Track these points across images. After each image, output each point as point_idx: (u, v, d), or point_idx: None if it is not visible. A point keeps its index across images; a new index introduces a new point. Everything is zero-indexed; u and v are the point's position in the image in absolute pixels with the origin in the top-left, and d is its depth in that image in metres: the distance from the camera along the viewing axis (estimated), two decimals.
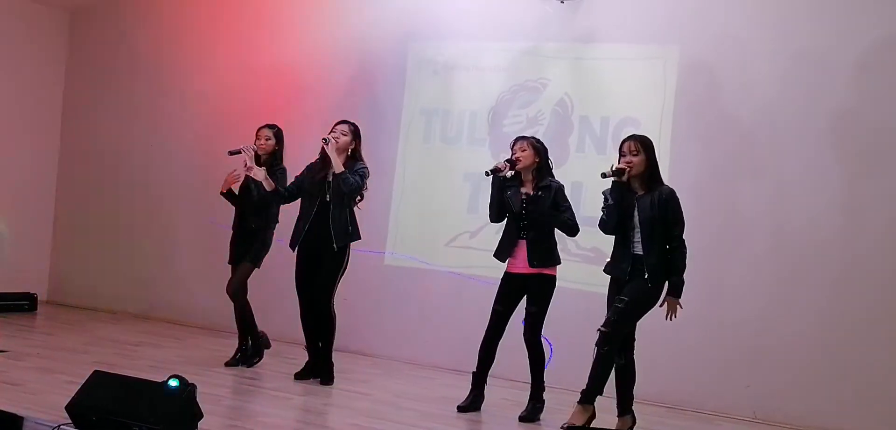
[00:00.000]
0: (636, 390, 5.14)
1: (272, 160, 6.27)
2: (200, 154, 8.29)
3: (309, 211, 5.92)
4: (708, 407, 6.20)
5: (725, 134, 6.47)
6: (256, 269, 6.33)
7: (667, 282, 4.92)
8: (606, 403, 5.13)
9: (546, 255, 5.39)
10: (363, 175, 5.88)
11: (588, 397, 4.95)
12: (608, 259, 5.15)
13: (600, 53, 6.95)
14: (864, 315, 5.97)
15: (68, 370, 5.51)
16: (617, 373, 5.03)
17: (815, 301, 6.11)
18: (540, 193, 5.39)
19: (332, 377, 6.01)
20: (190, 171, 8.35)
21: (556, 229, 5.47)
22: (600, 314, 6.42)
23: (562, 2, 6.98)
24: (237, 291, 6.29)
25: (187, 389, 4.19)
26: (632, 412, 5.06)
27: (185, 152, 8.40)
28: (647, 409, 4.96)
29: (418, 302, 7.26)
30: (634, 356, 5.08)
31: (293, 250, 6.01)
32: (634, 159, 4.94)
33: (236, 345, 6.42)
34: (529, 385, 5.51)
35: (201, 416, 4.23)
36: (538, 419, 5.46)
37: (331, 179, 5.85)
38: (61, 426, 4.17)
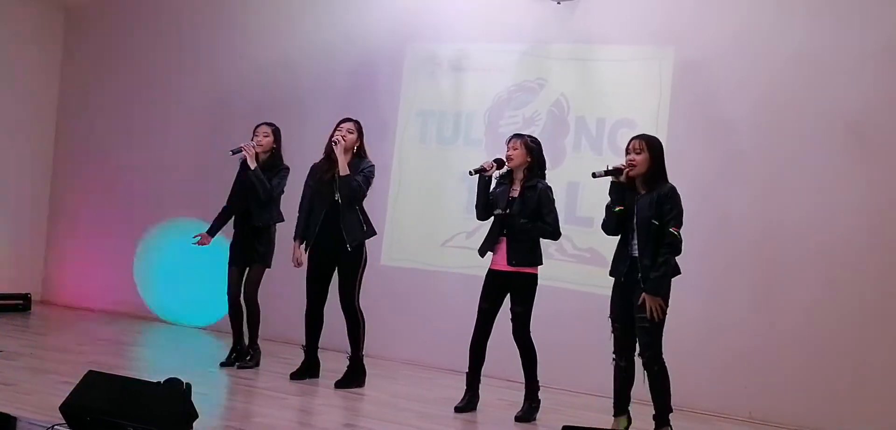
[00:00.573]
0: (633, 391, 5.13)
1: (272, 158, 6.26)
2: (196, 154, 8.28)
3: (320, 212, 5.91)
4: (704, 407, 6.19)
5: (721, 135, 6.47)
6: (268, 269, 6.32)
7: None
8: (602, 403, 5.12)
9: (526, 254, 5.38)
10: (368, 176, 5.87)
11: (664, 420, 4.85)
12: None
13: (597, 54, 6.95)
14: (860, 316, 5.98)
15: (62, 370, 5.49)
16: (618, 374, 4.99)
17: (810, 302, 6.11)
18: (525, 193, 5.37)
19: (364, 381, 5.97)
20: (186, 170, 8.33)
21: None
22: (597, 315, 6.44)
23: (558, 3, 6.98)
24: (252, 296, 6.28)
25: (182, 388, 4.17)
26: (628, 413, 5.04)
27: (180, 152, 8.39)
28: (644, 409, 4.96)
29: (415, 303, 7.25)
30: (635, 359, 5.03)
31: (294, 240, 5.98)
32: (637, 158, 4.84)
33: (231, 346, 6.40)
34: (537, 390, 5.50)
35: (196, 416, 4.21)
36: (534, 419, 5.46)
37: (337, 178, 5.84)
38: (55, 427, 4.14)
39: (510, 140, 5.50)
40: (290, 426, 4.92)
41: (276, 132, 6.34)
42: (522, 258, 5.36)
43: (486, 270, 5.49)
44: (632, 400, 5.10)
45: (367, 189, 5.90)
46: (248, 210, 6.27)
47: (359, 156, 5.94)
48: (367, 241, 5.98)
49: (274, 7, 8.14)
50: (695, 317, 6.08)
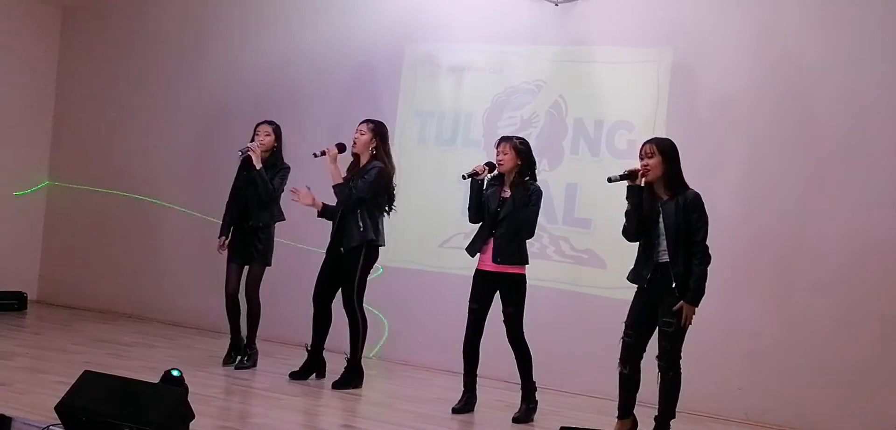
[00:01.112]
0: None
1: (273, 157, 6.27)
2: (193, 154, 8.27)
3: (335, 213, 5.98)
4: (700, 409, 6.19)
5: (719, 136, 6.47)
6: (268, 267, 6.33)
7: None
8: (599, 404, 5.12)
9: (511, 253, 5.38)
10: (369, 180, 5.85)
11: (663, 424, 4.86)
12: (632, 267, 5.01)
13: (594, 56, 6.94)
14: (855, 318, 5.98)
15: (58, 370, 5.48)
16: (622, 381, 4.97)
17: (806, 304, 6.11)
18: (516, 194, 5.38)
19: (361, 382, 5.97)
20: (183, 170, 8.31)
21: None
22: (597, 316, 6.47)
23: (556, 5, 6.97)
24: (254, 293, 6.29)
25: (180, 388, 4.16)
26: (632, 416, 5.03)
27: (177, 152, 8.36)
28: (640, 411, 4.97)
29: (413, 303, 7.24)
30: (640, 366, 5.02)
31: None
32: (650, 162, 4.82)
33: (229, 344, 6.38)
34: (534, 391, 5.50)
35: (192, 417, 4.20)
36: (532, 420, 5.45)
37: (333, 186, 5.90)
38: (51, 427, 4.13)
39: (499, 144, 5.51)
40: (288, 426, 4.91)
41: (277, 131, 6.36)
42: (507, 257, 5.36)
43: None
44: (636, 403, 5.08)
45: (369, 194, 5.87)
46: (247, 208, 6.26)
47: (377, 157, 5.96)
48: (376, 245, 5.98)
49: (273, 7, 8.13)
50: (697, 316, 6.08)
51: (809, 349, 6.06)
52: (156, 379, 4.51)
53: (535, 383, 5.49)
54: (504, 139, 5.54)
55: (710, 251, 4.84)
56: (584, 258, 6.78)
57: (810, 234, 6.14)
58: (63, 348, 6.51)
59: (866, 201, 6.03)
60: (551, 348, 6.58)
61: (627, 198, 4.89)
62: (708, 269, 4.81)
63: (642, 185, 4.87)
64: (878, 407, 5.83)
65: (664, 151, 4.85)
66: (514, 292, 5.38)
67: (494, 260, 5.37)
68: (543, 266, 6.80)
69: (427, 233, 7.26)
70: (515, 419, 5.42)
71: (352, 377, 5.95)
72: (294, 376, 6.06)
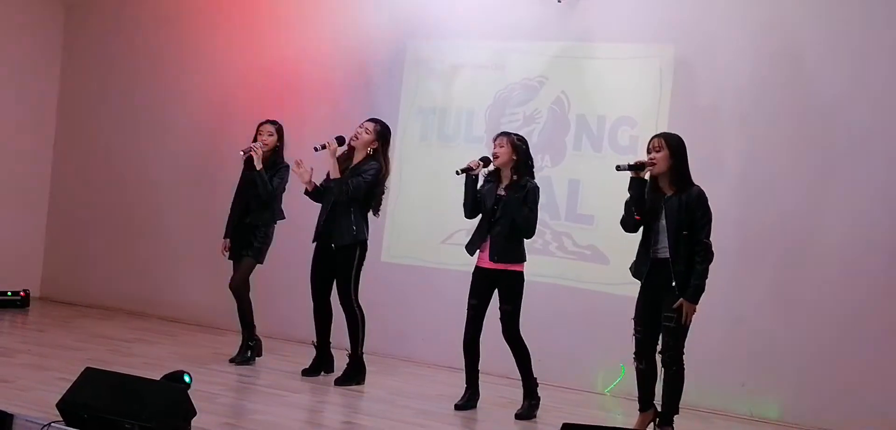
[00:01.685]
0: (634, 389, 5.12)
1: (273, 156, 6.27)
2: (196, 150, 8.27)
3: (325, 207, 5.95)
4: (704, 405, 6.17)
5: (722, 133, 6.45)
6: (259, 265, 6.32)
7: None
8: (602, 401, 5.11)
9: (508, 251, 5.36)
10: (366, 178, 5.85)
11: (668, 419, 4.87)
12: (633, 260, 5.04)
13: (597, 52, 6.93)
14: (859, 313, 5.96)
15: (60, 367, 5.47)
16: (639, 376, 4.98)
17: (811, 301, 6.09)
18: (515, 193, 5.36)
19: (364, 378, 5.97)
20: (185, 167, 8.32)
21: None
22: (599, 312, 6.46)
23: (559, 1, 6.95)
24: (239, 287, 6.29)
25: (181, 384, 4.16)
26: (654, 407, 5.02)
27: (180, 148, 8.36)
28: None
29: (415, 300, 7.24)
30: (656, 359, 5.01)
31: (313, 244, 6.05)
32: (657, 156, 4.82)
33: (240, 342, 6.39)
34: (535, 388, 5.48)
35: (194, 413, 4.19)
36: (535, 417, 5.44)
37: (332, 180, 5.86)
38: (52, 424, 4.12)
39: (496, 138, 5.50)
40: (290, 423, 4.90)
41: (280, 130, 6.36)
42: (505, 255, 5.36)
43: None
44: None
45: (361, 192, 5.86)
46: (248, 207, 6.27)
47: (374, 157, 5.94)
48: (368, 241, 5.98)
49: (275, 5, 8.12)
50: (695, 315, 6.06)
51: (815, 346, 6.04)
52: (158, 376, 4.51)
53: (535, 378, 5.48)
54: (502, 134, 5.53)
55: (714, 248, 4.82)
56: (586, 255, 6.77)
57: (815, 230, 6.12)
58: (65, 345, 6.51)
59: (872, 197, 6.01)
60: (554, 345, 6.57)
61: (629, 189, 4.90)
62: (710, 267, 4.80)
63: (646, 178, 4.87)
64: (885, 404, 5.81)
65: (672, 145, 4.85)
66: (512, 289, 5.38)
67: (491, 259, 5.36)
68: (546, 262, 6.79)
69: (429, 229, 7.25)
70: (518, 416, 5.41)
71: (354, 374, 5.95)
72: (306, 373, 6.08)
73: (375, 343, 6.34)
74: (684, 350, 4.82)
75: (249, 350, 6.34)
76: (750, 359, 6.19)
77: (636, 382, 5.02)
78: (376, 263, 7.01)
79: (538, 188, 5.45)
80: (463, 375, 5.57)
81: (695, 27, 6.61)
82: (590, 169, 6.77)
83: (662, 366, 4.81)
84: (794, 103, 6.26)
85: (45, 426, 4.11)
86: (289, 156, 6.40)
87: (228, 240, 6.38)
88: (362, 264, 5.97)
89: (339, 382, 5.91)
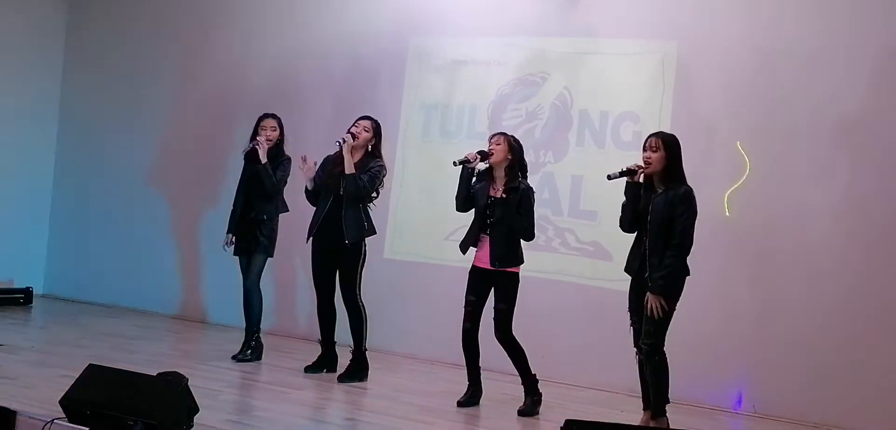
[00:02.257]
0: (637, 384, 5.12)
1: (275, 149, 6.28)
2: (198, 146, 8.26)
3: (324, 204, 5.93)
4: (706, 402, 6.17)
5: (724, 129, 6.43)
6: (270, 259, 6.34)
7: (687, 279, 4.87)
8: (605, 398, 5.11)
9: (508, 254, 5.38)
10: (375, 175, 5.88)
11: (659, 410, 4.90)
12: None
13: (600, 48, 6.91)
14: (863, 310, 5.94)
15: (63, 364, 5.47)
16: (640, 368, 5.01)
17: (813, 296, 6.07)
18: (507, 195, 5.37)
19: (367, 375, 5.97)
20: (188, 163, 8.31)
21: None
22: (601, 309, 6.45)
23: None
24: (254, 284, 6.30)
25: (184, 381, 4.15)
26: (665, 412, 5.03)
27: (182, 144, 8.36)
28: (634, 402, 4.98)
29: (418, 296, 7.23)
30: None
31: (308, 243, 6.01)
32: (653, 156, 4.85)
33: (243, 339, 6.40)
34: (536, 383, 5.48)
35: (197, 410, 4.18)
36: (537, 413, 5.44)
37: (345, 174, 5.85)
38: (55, 421, 4.12)
39: (493, 136, 5.52)
40: (293, 420, 4.90)
41: (280, 124, 6.38)
42: (505, 259, 5.38)
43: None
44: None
45: (373, 189, 5.90)
46: (251, 201, 6.27)
47: (373, 155, 5.94)
48: (367, 238, 5.99)
49: (277, 1, 8.11)
50: (697, 311, 6.04)
51: (817, 342, 6.02)
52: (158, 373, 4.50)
53: (534, 375, 5.48)
54: (500, 133, 5.56)
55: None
56: (589, 251, 6.76)
57: (815, 225, 6.10)
58: (68, 342, 6.52)
59: (871, 192, 5.99)
60: (557, 341, 6.57)
61: (625, 192, 4.98)
62: (686, 264, 4.82)
63: (640, 181, 4.92)
64: (885, 399, 5.80)
65: (668, 145, 4.89)
66: (508, 289, 5.39)
67: (493, 264, 5.37)
68: (549, 258, 6.78)
69: (431, 226, 7.24)
70: (521, 412, 5.41)
71: (357, 370, 5.95)
72: (309, 369, 6.08)
73: (378, 340, 6.35)
74: (666, 342, 4.82)
75: (251, 350, 6.33)
76: (751, 355, 6.18)
77: (639, 378, 5.03)
78: (379, 259, 7.01)
79: (531, 189, 5.47)
80: (465, 371, 5.56)
81: (697, 22, 6.59)
82: (592, 165, 6.75)
83: (644, 358, 4.87)
84: (794, 97, 6.23)
85: (48, 422, 4.11)
86: (289, 151, 6.40)
87: (232, 235, 6.38)
88: (365, 261, 5.97)
89: (343, 378, 5.91)
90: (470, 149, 5.67)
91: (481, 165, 5.50)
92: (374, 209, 6.08)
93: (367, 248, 5.99)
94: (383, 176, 5.96)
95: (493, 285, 5.43)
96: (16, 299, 8.02)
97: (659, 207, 4.81)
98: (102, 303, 8.45)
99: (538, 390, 5.48)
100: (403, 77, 7.55)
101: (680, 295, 4.87)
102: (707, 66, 6.53)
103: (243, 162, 6.43)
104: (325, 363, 6.12)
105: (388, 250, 7.39)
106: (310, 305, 6.20)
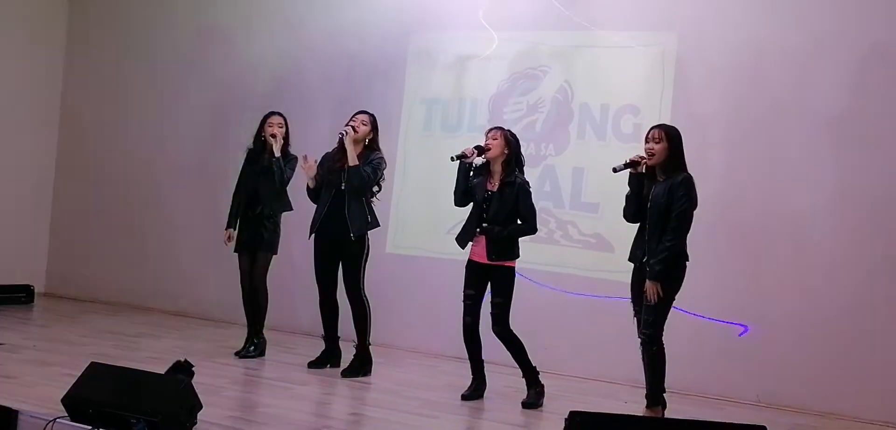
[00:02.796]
0: (640, 375, 5.11)
1: (283, 147, 6.28)
2: (199, 143, 8.25)
3: (325, 200, 5.92)
4: (712, 392, 6.16)
5: (725, 121, 6.43)
6: (275, 256, 6.34)
7: (687, 263, 4.89)
8: (609, 389, 5.10)
9: (505, 249, 5.40)
10: (376, 167, 5.89)
11: (655, 399, 4.93)
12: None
13: (600, 41, 6.89)
14: (866, 300, 5.94)
15: (65, 362, 5.47)
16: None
17: (816, 286, 6.07)
18: (504, 189, 5.38)
19: (370, 370, 5.97)
20: (189, 161, 8.30)
21: (518, 219, 5.45)
22: (602, 300, 6.43)
23: None
24: (261, 282, 6.30)
25: (187, 378, 4.14)
26: (662, 399, 5.03)
27: (183, 141, 8.36)
28: (634, 391, 4.98)
29: (420, 290, 7.22)
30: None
31: (310, 239, 6.00)
32: (656, 147, 4.92)
33: (246, 335, 6.40)
34: (537, 375, 5.48)
35: (200, 407, 4.17)
36: (541, 405, 5.43)
37: (347, 168, 5.84)
38: (57, 420, 4.11)
39: (490, 131, 5.54)
40: (297, 416, 4.88)
41: (286, 122, 6.38)
42: (502, 253, 5.39)
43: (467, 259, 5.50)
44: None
45: (376, 180, 5.91)
46: (255, 197, 6.26)
47: (370, 148, 5.94)
48: (370, 231, 5.98)
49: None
50: (701, 301, 6.04)
51: (822, 330, 6.02)
52: (163, 370, 4.49)
53: (535, 367, 5.48)
54: (496, 127, 5.59)
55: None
56: (591, 243, 6.75)
57: (820, 218, 6.10)
58: (70, 340, 6.51)
59: (875, 188, 5.98)
60: (560, 333, 6.57)
61: (629, 183, 5.04)
62: (685, 250, 4.87)
63: (644, 172, 4.98)
64: (891, 387, 5.80)
65: (671, 137, 4.97)
66: (506, 283, 5.39)
67: (490, 258, 5.38)
68: (551, 251, 6.77)
69: (433, 220, 7.23)
70: (525, 405, 5.40)
71: (360, 365, 5.94)
72: (312, 365, 6.08)
73: (381, 334, 6.33)
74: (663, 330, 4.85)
75: (254, 346, 6.33)
76: (757, 344, 6.17)
77: (643, 368, 5.02)
78: (381, 254, 7.00)
79: (527, 182, 5.49)
80: (469, 365, 5.56)
81: (697, 14, 6.58)
82: (594, 157, 6.74)
83: (642, 346, 4.90)
84: (796, 89, 6.23)
85: (50, 421, 4.10)
86: (294, 148, 6.39)
87: (232, 231, 6.37)
88: (369, 255, 5.96)
89: (346, 373, 5.90)
90: (470, 144, 5.67)
91: (478, 160, 5.50)
92: (377, 204, 6.08)
93: (370, 242, 5.98)
94: (384, 168, 5.98)
95: (489, 279, 5.43)
96: (17, 298, 8.01)
97: (659, 195, 4.88)
98: (104, 301, 8.44)
99: (540, 381, 5.48)
100: (404, 72, 7.54)
101: (680, 285, 4.91)
102: (707, 57, 6.53)
103: (244, 159, 6.42)
104: (329, 358, 6.11)
105: (390, 244, 7.39)
106: (312, 300, 6.18)
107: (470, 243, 5.49)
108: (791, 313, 6.12)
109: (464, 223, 5.55)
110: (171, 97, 8.46)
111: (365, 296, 5.94)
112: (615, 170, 5.06)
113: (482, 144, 5.50)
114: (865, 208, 6.00)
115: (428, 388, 5.83)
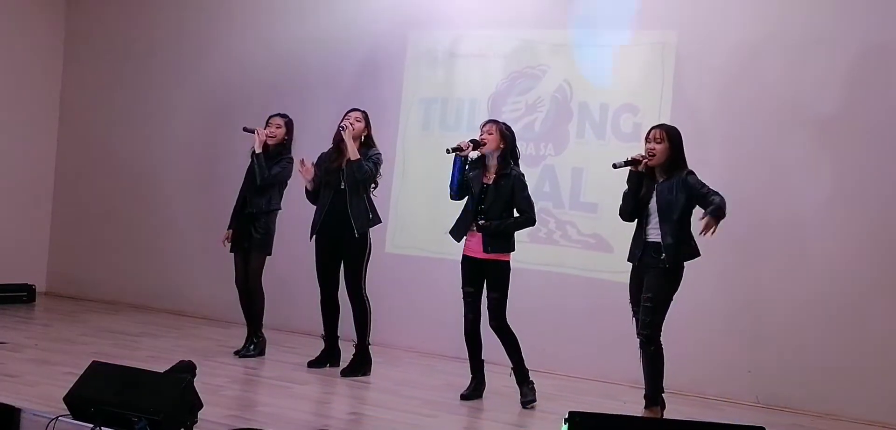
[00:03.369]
0: (639, 375, 5.12)
1: (278, 148, 6.28)
2: (200, 143, 8.26)
3: (325, 200, 5.94)
4: (710, 393, 6.18)
5: (724, 120, 6.44)
6: (269, 256, 6.35)
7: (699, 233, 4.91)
8: (607, 389, 5.11)
9: (501, 243, 5.41)
10: (376, 162, 5.91)
11: (654, 399, 4.95)
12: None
13: (599, 40, 6.90)
14: (864, 301, 5.95)
15: (67, 361, 5.49)
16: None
17: (815, 287, 6.08)
18: (500, 182, 5.39)
19: (369, 369, 5.99)
20: (189, 160, 8.32)
21: (514, 211, 5.46)
22: (604, 300, 6.45)
23: None
24: (256, 284, 6.31)
25: (188, 377, 4.16)
26: (662, 399, 5.04)
27: (184, 141, 8.36)
28: (633, 392, 4.99)
29: (419, 290, 7.24)
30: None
31: (311, 240, 6.02)
32: (658, 147, 4.94)
33: (246, 334, 6.42)
34: (527, 372, 5.48)
35: (201, 406, 4.19)
36: (535, 399, 5.45)
37: (345, 167, 5.85)
38: (59, 418, 4.13)
39: (485, 124, 5.55)
40: (296, 415, 4.90)
41: (289, 124, 6.38)
42: (497, 247, 5.40)
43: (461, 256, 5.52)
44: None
45: (377, 173, 5.93)
46: (246, 197, 6.30)
47: (366, 145, 5.97)
48: (371, 229, 6.00)
49: None
50: (701, 303, 6.05)
51: (821, 331, 6.03)
52: (163, 369, 4.51)
53: (527, 369, 5.48)
54: (491, 121, 5.59)
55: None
56: (590, 243, 6.76)
57: (819, 218, 6.11)
58: (71, 339, 6.53)
59: (875, 188, 5.99)
60: (558, 333, 6.58)
61: (628, 181, 5.04)
62: (696, 246, 4.93)
63: (643, 170, 4.99)
64: (889, 388, 5.81)
65: (672, 137, 4.99)
66: (500, 277, 5.40)
67: (485, 250, 5.39)
68: (550, 251, 6.78)
69: (432, 219, 7.23)
70: (524, 404, 5.41)
71: (360, 365, 5.96)
72: (312, 364, 6.09)
73: (380, 334, 6.35)
74: (661, 329, 4.88)
75: (253, 345, 6.35)
76: (755, 345, 6.19)
77: (642, 368, 5.03)
78: (381, 253, 7.01)
79: (523, 175, 5.49)
80: (468, 364, 5.57)
81: (696, 13, 6.59)
82: (593, 157, 6.75)
83: (640, 346, 4.91)
84: (796, 90, 6.23)
85: (52, 420, 4.12)
86: (294, 148, 6.40)
87: (231, 231, 6.39)
88: (371, 254, 5.98)
89: (346, 373, 5.92)
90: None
91: (473, 154, 5.51)
92: (376, 202, 6.09)
93: (371, 240, 6.00)
94: (381, 162, 5.99)
95: (484, 274, 5.44)
96: (19, 297, 8.03)
97: (664, 193, 4.90)
98: (105, 300, 8.46)
99: (530, 379, 5.49)
100: (403, 71, 7.54)
101: (678, 284, 4.93)
102: (706, 56, 6.53)
103: (250, 158, 6.44)
104: (328, 357, 6.13)
105: (389, 244, 7.40)
106: (311, 300, 6.20)
107: (464, 238, 5.50)
108: (790, 314, 6.13)
109: (458, 216, 5.55)
110: (170, 97, 8.47)
111: (366, 295, 5.96)
112: (615, 166, 5.05)
113: (477, 138, 5.51)
114: (865, 208, 6.00)
115: (427, 387, 5.85)
